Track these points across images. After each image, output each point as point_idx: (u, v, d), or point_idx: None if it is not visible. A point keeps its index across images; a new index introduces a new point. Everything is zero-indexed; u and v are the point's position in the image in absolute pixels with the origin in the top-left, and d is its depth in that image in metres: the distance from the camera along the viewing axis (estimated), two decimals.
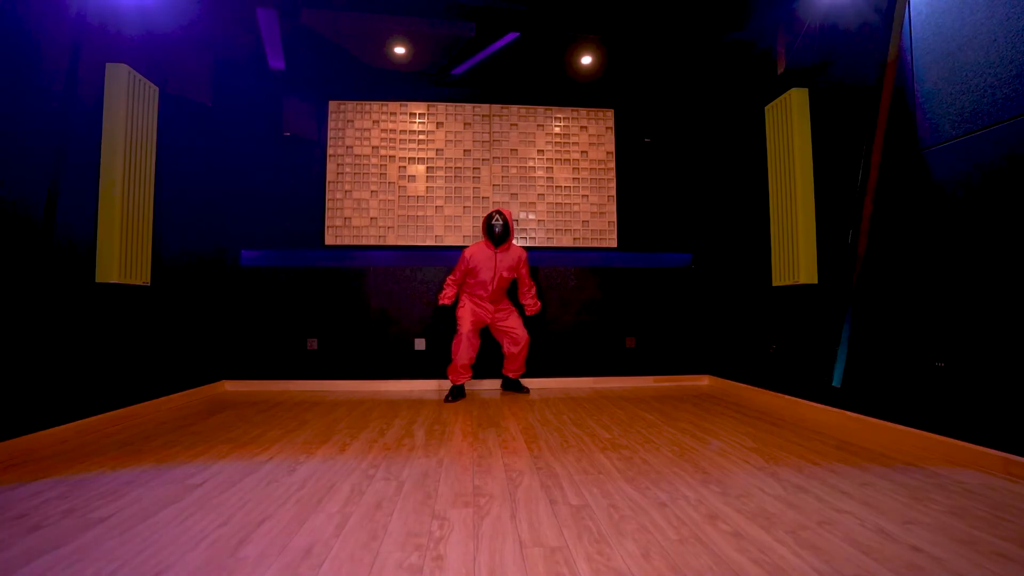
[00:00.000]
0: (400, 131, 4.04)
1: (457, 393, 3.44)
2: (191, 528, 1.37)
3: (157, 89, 2.81)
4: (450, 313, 3.85)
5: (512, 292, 3.85)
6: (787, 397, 3.02)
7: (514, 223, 3.48)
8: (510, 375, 3.66)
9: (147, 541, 1.29)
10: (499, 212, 3.42)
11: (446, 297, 3.51)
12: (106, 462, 1.97)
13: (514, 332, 3.53)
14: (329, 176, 3.96)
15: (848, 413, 2.53)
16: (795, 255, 2.87)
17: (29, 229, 2.11)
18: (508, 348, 3.57)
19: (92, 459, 2.00)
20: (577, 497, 1.64)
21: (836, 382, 2.50)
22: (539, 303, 3.68)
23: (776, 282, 3.07)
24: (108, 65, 2.52)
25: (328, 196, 3.95)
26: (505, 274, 3.48)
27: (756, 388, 3.38)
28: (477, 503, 1.58)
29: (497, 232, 3.39)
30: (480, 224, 3.94)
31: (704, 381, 4.12)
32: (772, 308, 3.25)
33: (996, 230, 1.86)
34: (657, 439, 2.37)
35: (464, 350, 3.39)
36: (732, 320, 3.77)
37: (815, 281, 2.81)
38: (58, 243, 2.27)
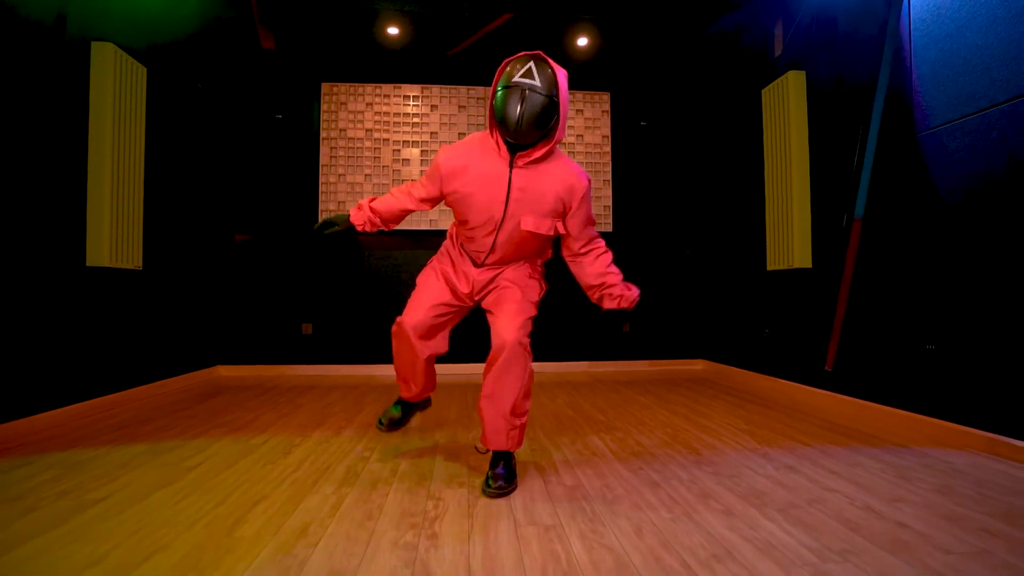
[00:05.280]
0: (394, 114, 3.99)
1: (407, 409, 1.90)
2: (187, 508, 1.38)
3: (145, 69, 2.75)
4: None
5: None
6: (780, 380, 3.05)
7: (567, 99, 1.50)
8: (488, 446, 1.60)
9: (143, 521, 1.30)
10: (534, 59, 1.45)
11: (356, 217, 1.73)
12: (100, 445, 1.97)
13: (496, 328, 1.60)
14: (323, 160, 3.92)
15: (840, 396, 2.56)
16: (790, 239, 2.87)
17: (17, 212, 2.08)
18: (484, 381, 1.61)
19: (86, 442, 2.00)
20: (571, 478, 1.65)
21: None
22: (630, 286, 1.66)
23: (771, 266, 3.08)
24: (94, 44, 2.47)
25: (322, 180, 3.91)
26: (530, 222, 1.56)
27: (750, 372, 3.41)
28: (472, 483, 1.60)
29: (532, 109, 1.41)
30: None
31: (698, 365, 4.15)
32: (766, 292, 3.26)
33: (989, 215, 1.87)
34: (651, 421, 2.39)
35: (404, 355, 1.73)
36: (726, 304, 3.79)
37: (809, 265, 2.82)
38: (46, 227, 2.23)
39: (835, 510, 1.37)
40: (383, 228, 1.78)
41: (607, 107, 4.16)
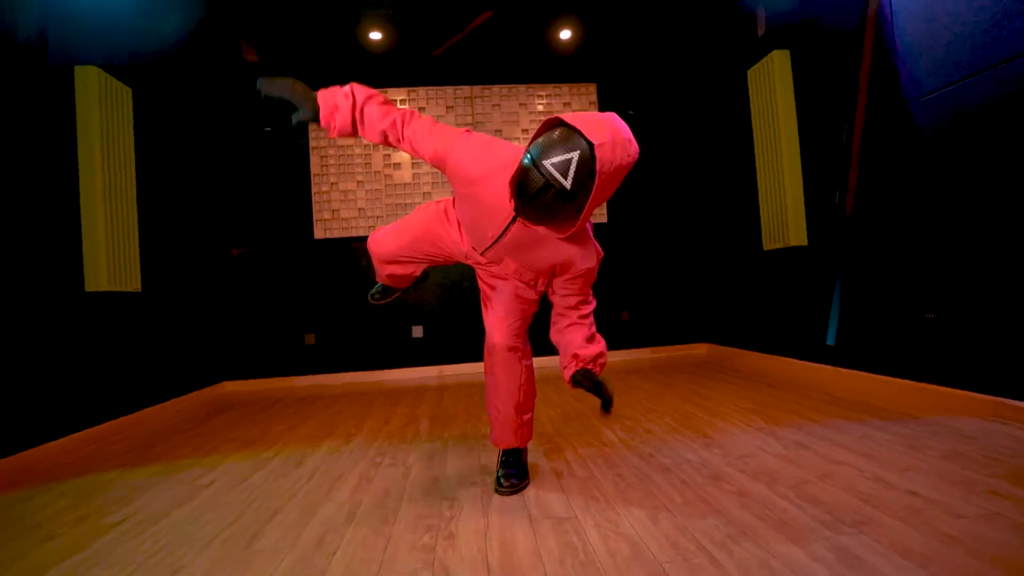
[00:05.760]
0: None
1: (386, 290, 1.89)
2: (204, 527, 1.39)
3: (130, 90, 2.74)
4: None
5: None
6: (784, 359, 3.06)
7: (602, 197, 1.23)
8: (496, 444, 1.65)
9: (161, 542, 1.31)
10: (581, 152, 1.14)
11: (347, 100, 1.61)
12: (113, 469, 1.97)
13: (487, 326, 1.61)
14: (314, 169, 3.91)
15: (844, 370, 2.57)
16: (784, 218, 2.88)
17: (14, 243, 2.08)
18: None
19: (100, 467, 2.01)
20: (583, 469, 1.67)
21: (830, 340, 2.55)
22: (598, 354, 1.46)
23: (767, 246, 3.08)
24: (77, 68, 2.46)
25: (314, 189, 3.90)
26: (510, 268, 1.48)
27: (753, 352, 3.42)
28: (484, 482, 1.61)
29: (542, 207, 1.18)
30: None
31: (701, 349, 4.16)
32: (764, 272, 3.27)
33: (977, 180, 1.87)
34: (658, 408, 2.40)
35: (393, 244, 1.66)
36: (726, 287, 3.80)
37: (805, 243, 2.83)
38: (44, 255, 2.23)
39: (846, 483, 1.38)
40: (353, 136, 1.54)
41: (594, 98, 4.15)
